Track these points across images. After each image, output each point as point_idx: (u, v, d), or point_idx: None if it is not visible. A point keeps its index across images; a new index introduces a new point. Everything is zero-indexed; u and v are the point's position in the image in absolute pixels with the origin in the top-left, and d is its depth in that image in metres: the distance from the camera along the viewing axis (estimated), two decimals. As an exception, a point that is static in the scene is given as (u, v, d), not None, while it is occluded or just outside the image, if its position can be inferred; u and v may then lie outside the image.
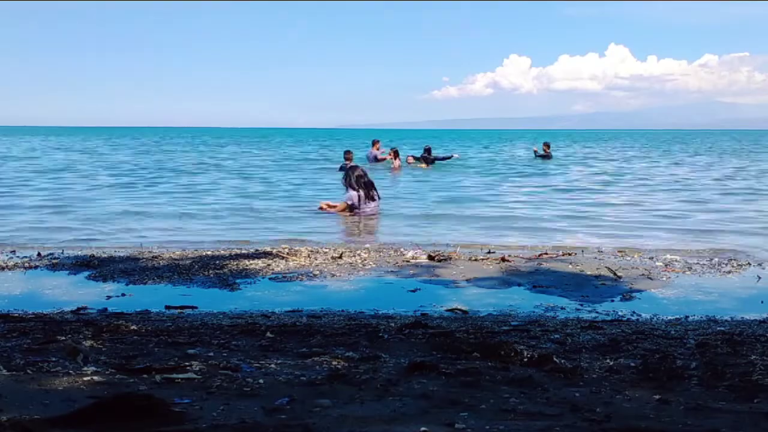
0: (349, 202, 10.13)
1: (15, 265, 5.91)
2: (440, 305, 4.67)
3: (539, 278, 5.55)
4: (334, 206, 10.31)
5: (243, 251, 6.62)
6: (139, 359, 3.01)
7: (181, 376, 2.68)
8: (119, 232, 8.39)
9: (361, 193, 10.14)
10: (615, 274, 5.67)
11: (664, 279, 5.61)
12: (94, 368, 2.78)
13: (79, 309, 4.41)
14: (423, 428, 2.09)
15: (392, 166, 19.49)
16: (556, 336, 3.66)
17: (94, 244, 7.41)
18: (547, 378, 2.78)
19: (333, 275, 5.64)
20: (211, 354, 3.14)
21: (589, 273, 5.76)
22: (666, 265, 6.13)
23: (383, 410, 2.30)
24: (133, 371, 2.76)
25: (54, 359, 2.89)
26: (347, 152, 15.81)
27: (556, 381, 2.75)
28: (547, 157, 26.52)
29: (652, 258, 6.50)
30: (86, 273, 5.65)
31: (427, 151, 22.48)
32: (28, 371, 2.70)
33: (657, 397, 2.54)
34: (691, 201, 12.55)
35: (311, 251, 6.57)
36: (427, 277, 5.58)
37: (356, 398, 2.45)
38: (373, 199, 10.22)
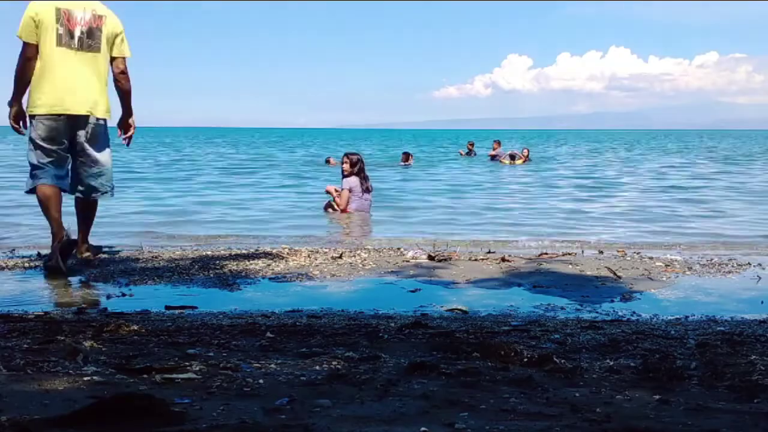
0: (347, 188, 9.99)
1: (15, 265, 5.91)
2: (440, 305, 4.67)
3: (539, 278, 5.55)
4: (339, 192, 10.16)
5: (243, 251, 6.62)
6: (139, 359, 3.01)
7: (181, 376, 2.68)
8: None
9: (358, 180, 9.96)
10: (615, 274, 5.67)
11: (665, 279, 5.61)
12: (94, 368, 2.78)
13: (79, 309, 4.41)
14: (423, 428, 2.09)
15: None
16: (556, 336, 3.66)
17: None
18: (547, 378, 2.78)
19: (333, 275, 5.64)
20: (211, 354, 3.13)
21: (589, 273, 5.76)
22: (666, 266, 6.13)
23: (383, 410, 2.30)
24: (133, 371, 2.76)
25: (54, 359, 2.89)
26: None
27: (556, 381, 2.75)
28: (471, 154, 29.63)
29: (653, 258, 6.50)
30: (86, 273, 5.64)
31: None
32: (28, 371, 2.69)
33: (657, 397, 2.54)
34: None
35: (311, 251, 6.58)
36: (427, 278, 5.58)
37: (356, 398, 2.45)
38: (369, 191, 10.03)
